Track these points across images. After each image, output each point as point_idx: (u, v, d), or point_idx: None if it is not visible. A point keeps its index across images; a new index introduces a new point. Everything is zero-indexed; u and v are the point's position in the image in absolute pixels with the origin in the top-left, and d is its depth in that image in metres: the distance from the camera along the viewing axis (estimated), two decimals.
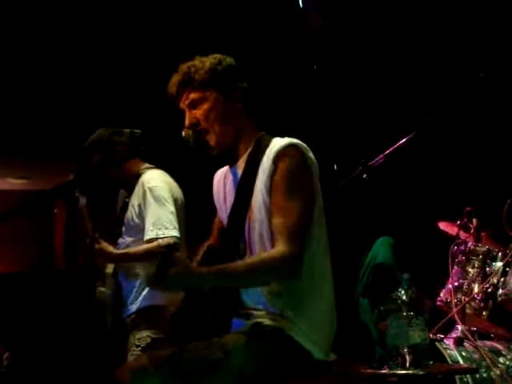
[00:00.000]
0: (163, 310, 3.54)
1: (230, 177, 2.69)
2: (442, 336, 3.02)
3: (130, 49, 5.30)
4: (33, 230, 8.24)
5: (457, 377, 2.74)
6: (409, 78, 4.66)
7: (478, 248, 3.32)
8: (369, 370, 2.39)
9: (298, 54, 5.21)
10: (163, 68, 2.82)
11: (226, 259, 2.49)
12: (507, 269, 3.19)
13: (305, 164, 2.49)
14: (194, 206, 3.87)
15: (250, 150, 2.61)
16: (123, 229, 3.71)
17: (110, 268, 3.78)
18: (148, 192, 3.58)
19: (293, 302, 2.47)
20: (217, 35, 4.90)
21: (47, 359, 5.85)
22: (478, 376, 2.80)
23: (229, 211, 2.64)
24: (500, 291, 3.18)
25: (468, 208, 3.39)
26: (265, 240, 2.50)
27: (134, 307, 3.63)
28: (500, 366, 2.88)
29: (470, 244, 3.35)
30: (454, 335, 3.10)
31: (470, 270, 3.31)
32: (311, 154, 2.53)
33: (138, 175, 3.70)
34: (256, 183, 2.54)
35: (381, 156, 3.55)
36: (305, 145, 2.53)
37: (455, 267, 3.33)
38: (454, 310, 3.16)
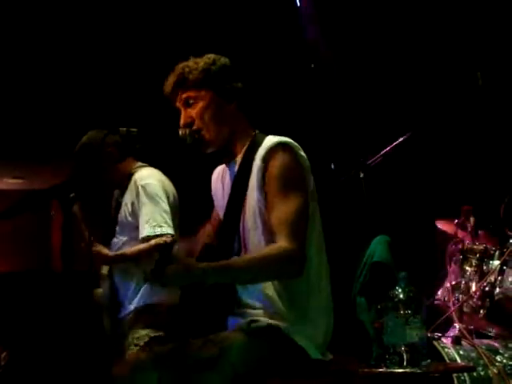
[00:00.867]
0: (161, 309, 3.54)
1: (228, 174, 2.70)
2: (440, 334, 3.02)
3: (126, 50, 5.30)
4: (30, 230, 8.23)
5: (454, 375, 2.74)
6: (406, 76, 4.67)
7: (475, 246, 3.32)
8: (366, 369, 2.39)
9: (294, 52, 5.22)
10: (159, 68, 2.82)
11: (222, 256, 2.49)
12: (504, 267, 3.20)
13: (295, 161, 2.50)
14: (189, 204, 3.87)
15: (245, 148, 2.62)
16: (117, 228, 3.70)
17: (105, 269, 3.77)
18: (141, 190, 3.57)
19: (289, 300, 2.47)
20: (212, 35, 4.90)
21: (45, 359, 5.84)
22: (475, 374, 2.80)
23: (225, 208, 2.65)
24: (497, 290, 3.19)
25: (465, 206, 3.39)
26: (259, 238, 2.50)
27: (131, 306, 3.62)
28: (497, 364, 2.88)
29: (467, 242, 3.35)
30: (451, 334, 3.10)
31: (467, 268, 3.31)
32: (302, 152, 2.54)
33: (131, 174, 3.70)
34: (251, 181, 2.55)
35: (378, 155, 3.56)
36: (295, 143, 2.54)
37: (452, 266, 3.34)
38: (452, 308, 3.16)
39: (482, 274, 3.25)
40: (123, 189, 3.72)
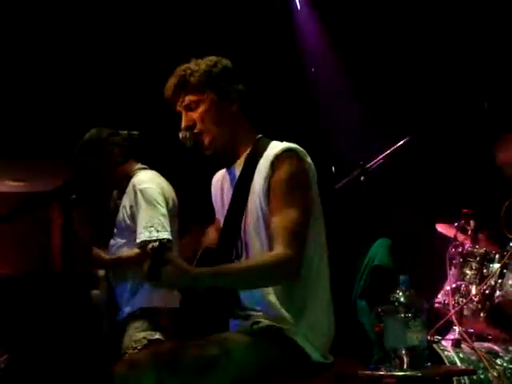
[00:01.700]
0: (158, 312, 3.54)
1: (228, 178, 2.69)
2: (440, 338, 3.02)
3: (127, 51, 5.30)
4: (30, 232, 8.23)
5: (454, 378, 2.75)
6: (407, 80, 4.67)
7: (475, 250, 3.33)
8: (366, 372, 2.39)
9: (295, 56, 5.22)
10: (160, 70, 2.82)
11: (223, 261, 2.49)
12: (504, 270, 3.21)
13: (303, 169, 2.49)
14: (190, 207, 3.87)
15: (247, 152, 2.62)
16: (115, 230, 3.70)
17: (102, 271, 3.77)
18: (139, 194, 3.56)
19: (291, 303, 2.47)
20: (214, 37, 4.91)
21: (45, 361, 5.84)
22: (475, 378, 2.81)
23: (225, 212, 2.64)
24: (497, 293, 3.20)
25: (465, 210, 3.39)
26: (261, 242, 2.50)
27: (127, 310, 3.62)
28: (497, 367, 2.88)
29: (467, 246, 3.36)
30: (451, 337, 3.11)
31: (467, 271, 3.32)
32: (309, 159, 2.53)
33: (130, 176, 3.69)
34: (253, 186, 2.54)
35: (378, 159, 3.56)
36: (303, 149, 2.53)
37: (453, 269, 3.34)
38: (452, 311, 3.17)
39: (482, 277, 3.26)
40: (122, 190, 3.71)
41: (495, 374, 2.84)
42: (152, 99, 3.24)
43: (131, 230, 3.59)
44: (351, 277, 3.24)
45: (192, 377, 2.33)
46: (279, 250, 2.38)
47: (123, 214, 3.65)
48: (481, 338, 3.23)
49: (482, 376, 2.84)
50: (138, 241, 3.50)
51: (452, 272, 3.33)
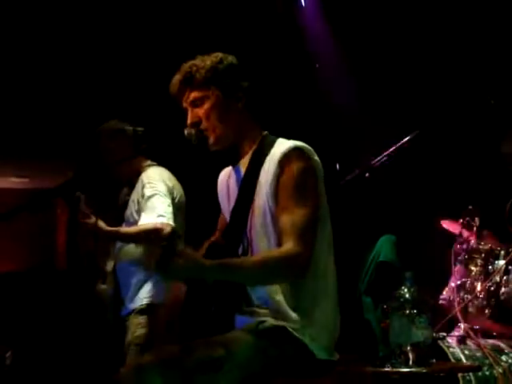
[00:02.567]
0: (162, 309, 3.54)
1: (233, 175, 2.69)
2: (445, 334, 3.02)
3: (131, 48, 5.30)
4: (35, 229, 8.24)
5: (459, 375, 2.74)
6: (411, 76, 4.67)
7: (480, 246, 3.33)
8: (372, 368, 2.39)
9: (300, 52, 5.22)
10: (165, 66, 2.82)
11: (229, 255, 2.49)
12: (510, 267, 3.21)
13: (311, 167, 2.49)
14: (196, 204, 3.87)
15: (253, 149, 2.61)
16: (123, 225, 3.71)
17: (110, 265, 3.78)
18: (146, 187, 3.59)
19: (297, 302, 2.47)
20: (219, 33, 4.90)
21: (49, 358, 5.85)
22: (480, 374, 2.80)
23: (231, 210, 2.64)
24: (502, 289, 3.20)
25: (470, 206, 3.39)
26: (268, 240, 2.50)
27: (132, 305, 3.62)
28: (502, 364, 2.88)
29: (472, 242, 3.35)
30: (456, 333, 3.10)
31: (472, 268, 3.32)
32: (316, 157, 2.53)
33: (140, 172, 3.71)
34: (259, 183, 2.54)
35: (383, 155, 3.55)
36: (310, 148, 2.52)
37: (458, 266, 3.34)
38: (457, 308, 3.16)
39: (487, 274, 3.26)
40: (132, 187, 3.73)
41: (500, 370, 2.83)
42: (158, 96, 3.24)
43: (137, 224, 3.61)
44: (356, 273, 3.24)
45: (197, 378, 2.33)
46: (289, 246, 2.38)
47: (131, 208, 3.66)
48: (486, 334, 3.23)
49: (487, 373, 2.83)
50: (140, 222, 3.53)
51: (457, 269, 3.33)
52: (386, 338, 2.44)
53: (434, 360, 2.37)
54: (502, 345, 3.03)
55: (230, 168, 2.75)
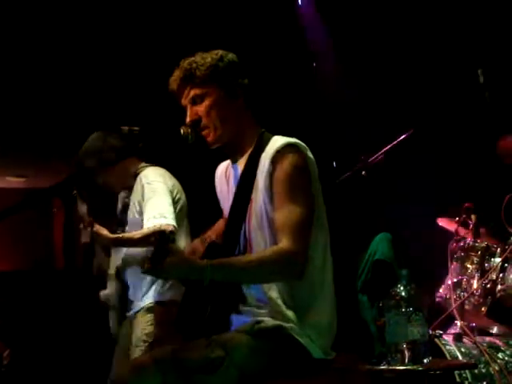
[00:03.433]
0: (172, 306, 3.54)
1: (232, 173, 2.69)
2: (441, 332, 3.02)
3: (129, 46, 5.29)
4: (32, 228, 8.23)
5: (456, 372, 2.75)
6: (407, 74, 4.67)
7: (476, 244, 3.33)
8: (368, 366, 2.39)
9: (296, 51, 5.22)
10: (163, 65, 2.81)
11: (226, 255, 2.49)
12: (506, 265, 3.21)
13: (304, 163, 2.48)
14: (193, 203, 3.87)
15: (251, 147, 2.61)
16: (127, 228, 3.71)
17: (112, 269, 3.78)
18: (146, 187, 3.59)
19: (293, 301, 2.47)
20: (218, 31, 4.90)
21: (47, 357, 5.85)
22: (476, 372, 2.81)
23: (230, 208, 2.64)
24: (499, 287, 3.20)
25: (467, 204, 3.39)
26: (265, 238, 2.50)
27: (141, 303, 3.63)
28: (499, 361, 2.88)
29: (468, 240, 3.36)
30: (452, 331, 3.11)
31: (468, 265, 3.32)
32: (310, 154, 2.52)
33: (137, 174, 3.71)
34: (256, 182, 2.54)
35: (379, 153, 3.56)
36: (303, 144, 2.52)
37: (454, 263, 3.34)
38: (453, 305, 3.17)
39: (483, 272, 3.26)
40: (130, 189, 3.73)
41: (496, 368, 2.84)
42: (154, 95, 3.24)
43: (142, 225, 3.61)
44: (352, 271, 3.25)
45: (196, 378, 2.34)
46: (284, 244, 2.38)
47: (133, 210, 3.67)
48: (482, 332, 3.24)
49: (483, 370, 2.84)
50: (144, 227, 3.52)
51: (453, 266, 3.33)
52: (382, 336, 2.44)
53: (430, 358, 2.37)
54: (498, 342, 3.03)
55: (227, 162, 2.75)
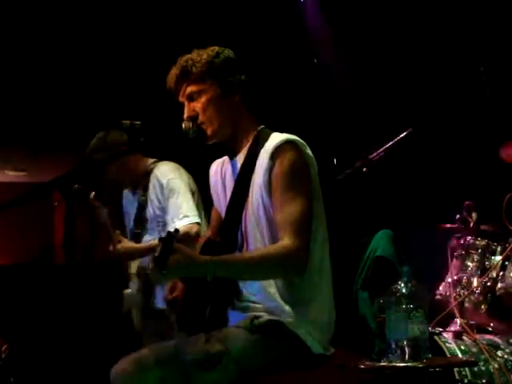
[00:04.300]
0: None
1: (230, 169, 2.69)
2: (441, 329, 3.02)
3: (129, 41, 5.29)
4: (32, 222, 8.25)
5: (455, 370, 2.75)
6: (408, 70, 4.66)
7: (477, 242, 3.33)
8: (368, 363, 2.39)
9: (297, 47, 5.21)
10: (162, 60, 2.82)
11: (224, 252, 2.49)
12: (506, 263, 3.21)
13: (302, 160, 2.49)
14: None
15: (249, 143, 2.62)
16: (146, 225, 3.72)
17: (133, 268, 3.78)
18: (165, 185, 3.62)
19: (291, 295, 2.48)
20: (216, 27, 4.90)
21: (46, 352, 5.86)
22: (476, 369, 2.81)
23: (227, 204, 2.64)
24: (499, 285, 3.20)
25: (468, 202, 3.39)
26: (263, 235, 2.50)
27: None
28: (498, 359, 2.89)
29: (469, 238, 3.35)
30: (452, 329, 3.10)
31: (469, 263, 3.32)
32: (309, 150, 2.53)
33: (148, 171, 3.72)
34: (253, 178, 2.54)
35: (380, 150, 3.55)
36: (302, 141, 2.53)
37: (454, 261, 3.34)
38: (453, 303, 3.17)
39: (483, 270, 3.26)
40: (143, 187, 3.73)
41: (496, 365, 2.84)
42: (154, 89, 3.24)
43: (164, 223, 3.63)
44: (353, 268, 3.24)
45: (195, 373, 2.34)
46: (286, 241, 2.38)
47: (152, 208, 3.68)
48: (482, 330, 3.24)
49: (482, 368, 2.84)
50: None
51: (453, 264, 3.33)
52: (382, 333, 2.44)
53: (430, 355, 2.37)
54: (498, 340, 3.04)
55: (222, 159, 2.76)
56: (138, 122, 2.71)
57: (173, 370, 2.35)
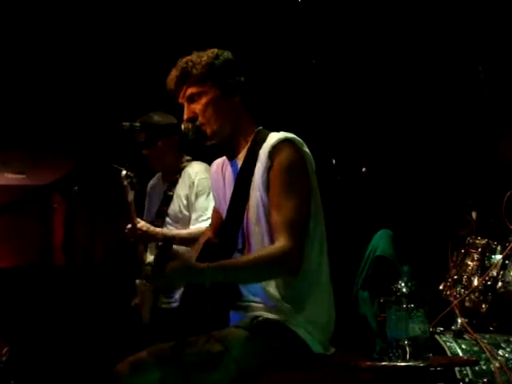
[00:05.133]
0: None
1: (230, 170, 2.70)
2: (442, 329, 3.02)
3: (129, 43, 5.29)
4: (32, 225, 8.24)
5: (456, 369, 2.74)
6: (407, 70, 4.66)
7: (477, 241, 3.32)
8: (369, 362, 2.39)
9: (296, 47, 5.21)
10: (162, 63, 2.82)
11: (225, 254, 2.50)
12: (506, 262, 3.20)
13: (300, 159, 2.50)
14: None
15: (248, 144, 2.62)
16: (168, 219, 3.76)
17: (149, 258, 3.79)
18: (196, 184, 3.68)
19: (291, 295, 2.48)
20: (215, 29, 4.90)
21: (46, 354, 5.85)
22: (477, 368, 2.81)
23: (227, 205, 2.65)
24: (499, 284, 3.19)
25: (468, 201, 3.39)
26: (263, 235, 2.51)
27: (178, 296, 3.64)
28: (499, 358, 2.88)
29: (469, 237, 3.35)
30: (453, 328, 3.10)
31: (469, 262, 3.31)
32: (306, 149, 2.54)
33: (181, 168, 3.75)
34: (254, 178, 2.54)
35: (380, 149, 3.55)
36: (300, 139, 2.54)
37: (454, 260, 3.34)
38: (454, 302, 3.16)
39: (483, 269, 3.25)
40: (172, 182, 3.79)
41: (497, 364, 2.84)
42: (154, 91, 3.24)
43: (187, 220, 3.68)
44: (353, 268, 3.25)
45: (195, 374, 2.34)
46: (281, 242, 2.39)
47: (179, 204, 3.73)
48: (483, 329, 3.23)
49: (483, 367, 2.84)
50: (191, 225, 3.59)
51: (454, 263, 3.33)
52: (383, 332, 2.44)
53: (431, 354, 2.37)
54: (499, 339, 3.03)
55: (222, 159, 2.77)
56: (137, 124, 2.71)
57: (173, 370, 2.36)
